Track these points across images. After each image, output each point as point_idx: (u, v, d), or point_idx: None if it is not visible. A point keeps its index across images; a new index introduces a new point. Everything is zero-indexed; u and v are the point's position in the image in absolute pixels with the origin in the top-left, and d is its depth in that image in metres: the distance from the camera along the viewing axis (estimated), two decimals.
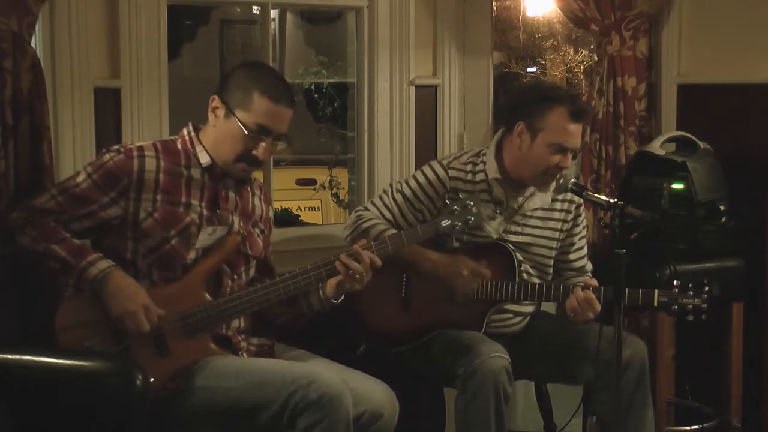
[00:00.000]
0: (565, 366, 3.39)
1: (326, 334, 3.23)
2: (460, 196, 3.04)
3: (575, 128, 3.30)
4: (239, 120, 2.85)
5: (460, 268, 3.22)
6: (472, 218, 3.00)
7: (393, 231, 3.30)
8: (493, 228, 3.38)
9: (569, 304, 3.24)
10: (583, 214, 3.54)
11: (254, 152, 2.88)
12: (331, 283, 2.96)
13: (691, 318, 3.19)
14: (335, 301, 3.00)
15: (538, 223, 3.43)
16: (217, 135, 2.89)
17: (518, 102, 3.42)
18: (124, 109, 3.44)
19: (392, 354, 3.38)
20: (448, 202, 3.03)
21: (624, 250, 2.85)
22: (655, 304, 3.20)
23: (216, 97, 2.88)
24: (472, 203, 2.99)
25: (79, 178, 2.85)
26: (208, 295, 2.87)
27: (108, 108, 3.42)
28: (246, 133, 2.85)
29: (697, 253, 3.66)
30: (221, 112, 2.87)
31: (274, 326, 3.08)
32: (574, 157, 3.40)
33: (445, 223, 2.99)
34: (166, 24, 3.52)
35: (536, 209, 3.43)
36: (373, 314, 3.39)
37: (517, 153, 3.34)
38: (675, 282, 3.23)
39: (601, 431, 3.40)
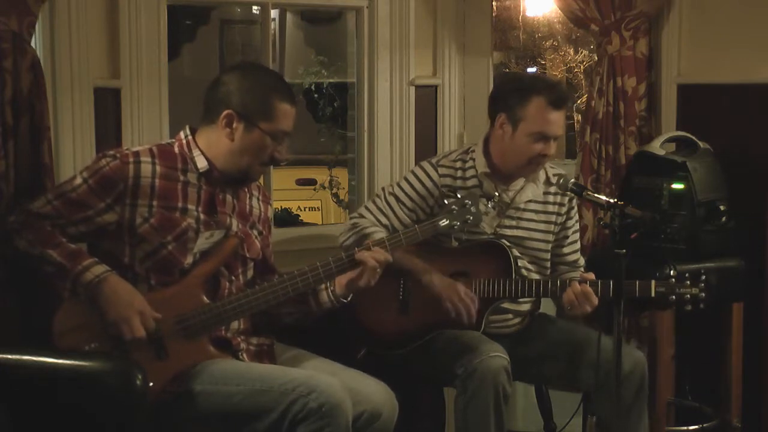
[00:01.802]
0: (565, 374, 3.39)
1: (326, 334, 3.23)
2: (459, 195, 3.04)
3: (555, 116, 3.31)
4: (264, 131, 2.86)
5: (456, 301, 3.23)
6: (471, 218, 3.00)
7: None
8: (487, 223, 3.37)
9: (566, 297, 3.24)
10: (576, 208, 3.54)
11: (276, 155, 2.91)
12: (341, 281, 2.96)
13: (689, 308, 3.19)
14: (344, 300, 3.01)
15: (533, 216, 3.44)
16: (236, 147, 2.87)
17: (498, 94, 3.44)
18: (124, 109, 3.44)
19: (392, 355, 3.38)
20: (446, 202, 3.04)
21: (624, 250, 2.84)
22: (653, 294, 3.20)
23: (231, 111, 2.86)
24: (470, 203, 2.99)
25: (75, 183, 2.84)
26: (206, 298, 2.86)
27: (108, 108, 3.42)
28: (270, 140, 2.87)
29: (697, 253, 3.66)
30: (240, 125, 2.86)
31: (281, 326, 3.07)
32: (573, 156, 3.39)
33: (444, 222, 2.99)
34: (166, 24, 3.52)
35: (529, 202, 3.43)
36: (371, 318, 3.39)
37: (501, 145, 3.36)
38: (672, 273, 3.23)
39: (600, 431, 3.40)
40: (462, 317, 3.24)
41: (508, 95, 3.35)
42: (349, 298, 3.01)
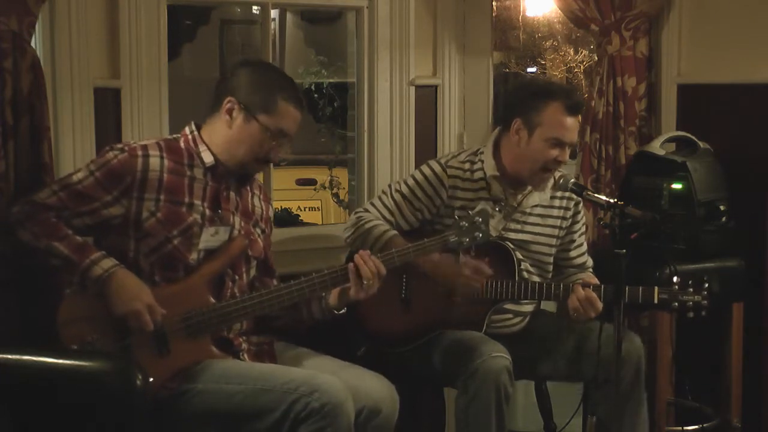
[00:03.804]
0: (567, 364, 3.39)
1: (326, 334, 3.23)
2: (470, 212, 3.04)
3: (572, 122, 3.31)
4: (262, 124, 2.86)
5: (461, 267, 3.22)
6: (480, 235, 3.00)
7: (393, 232, 3.31)
8: (492, 226, 3.37)
9: (571, 303, 3.24)
10: (582, 211, 3.54)
11: (272, 154, 2.91)
12: (334, 292, 2.96)
13: (691, 315, 3.19)
14: (337, 312, 3.00)
15: (538, 220, 3.44)
16: (233, 136, 2.88)
17: (514, 99, 3.44)
18: (124, 109, 3.44)
19: (393, 354, 3.38)
20: (456, 218, 3.04)
21: (624, 250, 2.85)
22: (655, 301, 3.21)
23: (233, 98, 2.87)
24: (480, 220, 3.00)
25: (82, 175, 2.84)
26: (211, 298, 2.87)
27: (108, 108, 3.42)
28: (267, 136, 2.87)
29: (697, 253, 3.66)
30: (239, 114, 2.87)
31: (272, 327, 3.07)
32: (573, 156, 3.39)
33: (453, 239, 2.99)
34: (166, 24, 3.52)
35: (535, 206, 3.43)
36: (373, 315, 3.39)
37: (516, 150, 3.35)
38: (675, 279, 3.23)
39: (600, 431, 3.40)
40: (475, 284, 3.22)
41: (525, 100, 3.34)
42: (342, 311, 3.00)
